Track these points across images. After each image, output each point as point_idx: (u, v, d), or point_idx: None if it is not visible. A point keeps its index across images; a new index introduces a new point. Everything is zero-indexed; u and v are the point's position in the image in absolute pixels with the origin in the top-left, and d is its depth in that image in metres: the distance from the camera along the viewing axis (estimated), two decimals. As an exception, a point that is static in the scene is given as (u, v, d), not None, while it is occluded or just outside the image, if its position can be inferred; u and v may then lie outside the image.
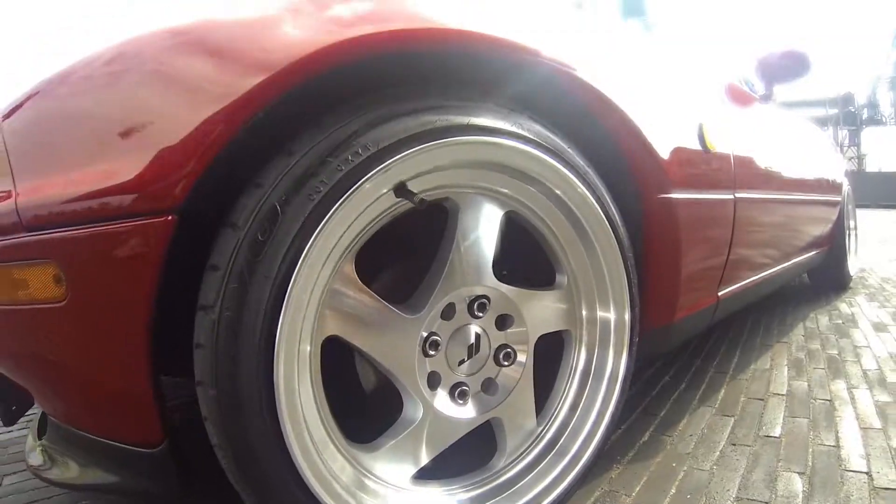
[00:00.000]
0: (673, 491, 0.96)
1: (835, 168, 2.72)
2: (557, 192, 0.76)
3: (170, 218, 0.54)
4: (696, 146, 1.09)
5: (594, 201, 0.79)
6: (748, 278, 1.50)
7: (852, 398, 1.38)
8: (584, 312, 0.88)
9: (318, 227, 0.55)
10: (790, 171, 1.84)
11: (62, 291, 0.57)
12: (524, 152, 0.70)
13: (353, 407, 0.74)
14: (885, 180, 29.12)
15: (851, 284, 3.03)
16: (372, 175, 0.57)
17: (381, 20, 0.62)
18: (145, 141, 0.56)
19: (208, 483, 0.65)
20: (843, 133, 55.15)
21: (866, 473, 0.99)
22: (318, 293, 0.59)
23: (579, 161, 0.78)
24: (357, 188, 0.57)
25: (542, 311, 0.83)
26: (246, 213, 0.54)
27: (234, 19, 0.62)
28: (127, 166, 0.55)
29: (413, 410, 0.71)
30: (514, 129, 0.68)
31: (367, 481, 0.67)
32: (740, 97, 1.56)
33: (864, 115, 55.29)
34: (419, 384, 0.70)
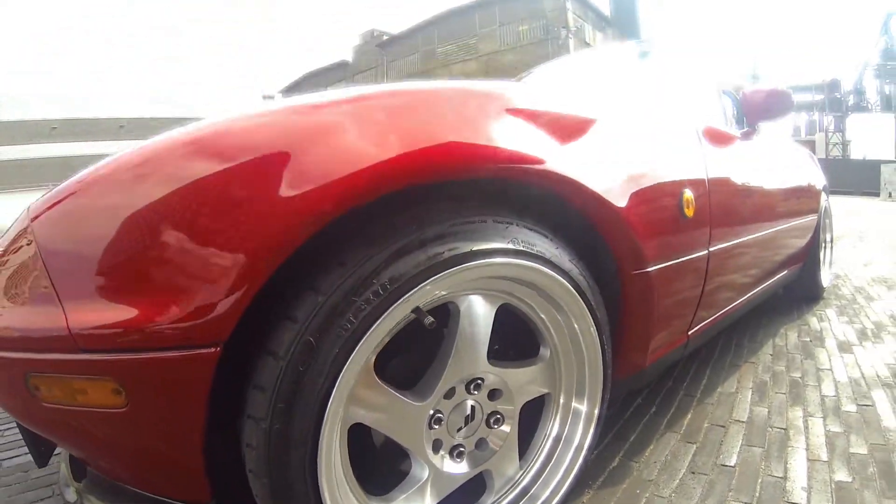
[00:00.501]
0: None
1: (814, 186, 2.86)
2: (546, 290, 0.88)
3: (217, 349, 0.65)
4: (676, 217, 1.19)
5: (578, 296, 0.93)
6: (719, 313, 1.63)
7: (806, 427, 1.53)
8: (558, 386, 1.02)
9: (349, 357, 0.67)
10: (767, 207, 1.96)
11: (122, 401, 0.68)
12: (520, 265, 0.82)
13: (370, 466, 0.87)
14: (868, 168, 29.61)
15: (825, 295, 3.20)
16: (391, 310, 0.70)
17: (396, 150, 0.72)
18: (194, 280, 0.66)
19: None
20: (829, 119, 55.76)
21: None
22: (347, 398, 0.71)
23: (566, 262, 0.91)
24: (379, 323, 0.69)
25: (525, 382, 0.97)
26: (285, 346, 0.66)
27: (264, 173, 0.70)
28: (178, 302, 0.64)
29: (420, 471, 0.85)
30: (511, 245, 0.80)
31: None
32: (719, 139, 1.65)
33: (850, 102, 55.90)
34: (425, 451, 0.84)
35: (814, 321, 2.67)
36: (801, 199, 2.54)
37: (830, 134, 54.69)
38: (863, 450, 1.40)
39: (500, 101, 0.92)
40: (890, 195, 22.60)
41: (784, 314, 2.77)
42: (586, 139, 1.02)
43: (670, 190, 1.21)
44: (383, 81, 50.44)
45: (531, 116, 0.92)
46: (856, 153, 51.58)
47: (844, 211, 12.39)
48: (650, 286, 1.08)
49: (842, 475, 1.28)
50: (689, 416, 1.60)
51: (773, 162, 2.20)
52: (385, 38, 50.87)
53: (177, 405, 0.68)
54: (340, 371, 0.67)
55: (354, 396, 0.74)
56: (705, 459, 1.35)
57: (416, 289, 0.72)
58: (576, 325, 0.98)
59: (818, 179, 3.06)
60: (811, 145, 53.20)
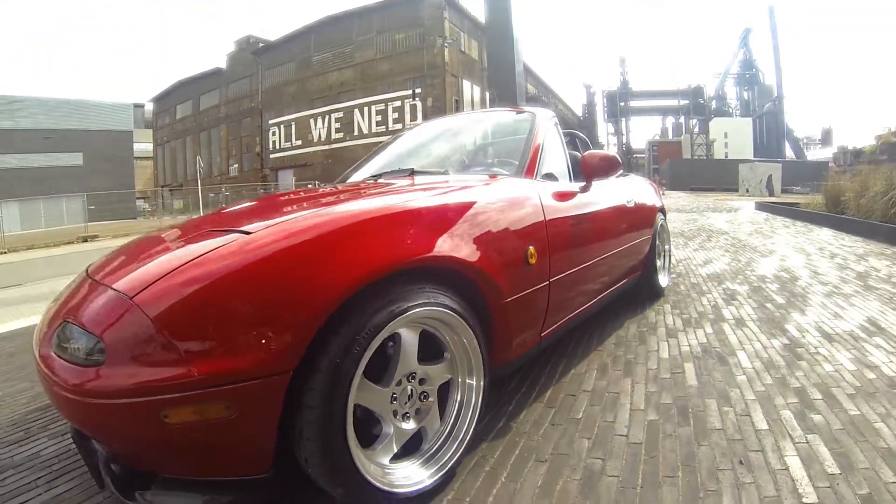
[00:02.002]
0: (517, 452, 1.79)
1: (650, 211, 3.80)
2: (445, 321, 1.58)
3: (290, 373, 1.22)
4: (522, 266, 1.92)
5: (464, 322, 1.62)
6: (564, 319, 2.39)
7: (633, 391, 2.31)
8: (458, 372, 1.71)
9: (357, 369, 1.30)
10: (602, 239, 2.74)
11: (231, 413, 1.16)
12: (430, 310, 1.49)
13: (360, 430, 1.47)
14: (728, 166, 33.34)
15: (665, 293, 4.15)
16: (373, 342, 1.34)
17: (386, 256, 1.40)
18: (276, 334, 1.19)
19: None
20: (694, 122, 62.07)
21: (625, 436, 1.89)
22: (356, 390, 1.33)
23: (458, 307, 1.60)
24: (368, 348, 1.33)
25: (438, 373, 1.64)
26: (325, 366, 1.25)
27: (314, 266, 1.29)
28: (266, 349, 1.18)
29: (388, 429, 1.48)
30: (426, 300, 1.47)
31: (371, 465, 1.42)
32: (562, 197, 2.39)
33: (713, 107, 62.59)
34: (390, 417, 1.48)
35: (651, 315, 3.57)
36: (637, 224, 3.43)
37: (695, 135, 60.88)
38: (668, 400, 2.19)
39: (414, 216, 1.60)
40: (748, 191, 25.75)
41: (630, 311, 3.65)
42: (459, 225, 1.71)
43: (518, 249, 1.93)
44: (259, 90, 49.55)
45: (430, 219, 1.63)
46: (718, 153, 57.79)
47: (705, 203, 14.40)
48: (507, 310, 1.81)
49: (652, 416, 2.05)
50: (550, 391, 2.34)
51: (608, 202, 2.98)
52: (261, 45, 51.68)
53: (265, 410, 1.21)
54: (353, 376, 1.29)
55: (358, 392, 1.35)
56: (561, 416, 2.07)
57: (384, 329, 1.36)
58: (463, 339, 1.66)
59: (655, 204, 4.02)
60: (678, 146, 58.78)
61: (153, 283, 1.22)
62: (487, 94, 47.72)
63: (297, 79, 47.75)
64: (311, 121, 46.33)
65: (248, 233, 1.38)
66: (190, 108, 56.91)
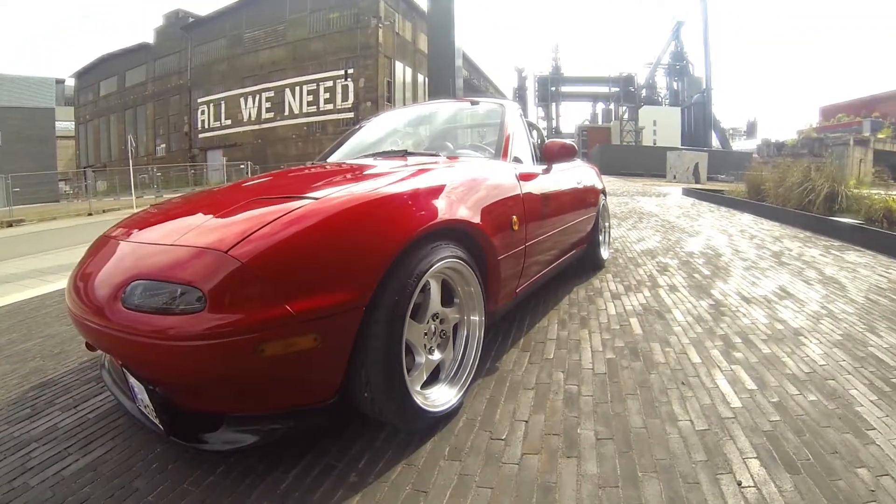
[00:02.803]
0: (507, 384, 2.22)
1: (594, 192, 4.31)
2: (459, 272, 1.97)
3: (363, 308, 1.55)
4: (509, 231, 2.34)
5: (473, 274, 2.02)
6: (533, 279, 2.85)
7: (590, 338, 2.79)
8: (466, 313, 2.10)
9: (409, 307, 1.66)
10: (560, 212, 3.21)
11: (317, 344, 1.45)
12: (450, 262, 1.87)
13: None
14: (657, 153, 34.91)
15: (606, 265, 4.69)
16: (417, 287, 1.69)
17: (430, 216, 1.77)
18: (356, 271, 1.54)
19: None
20: (623, 109, 64.33)
21: (591, 369, 2.35)
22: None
23: (467, 259, 1.98)
24: (415, 292, 1.69)
25: (452, 315, 2.03)
26: (386, 302, 1.58)
27: (382, 221, 1.66)
28: (352, 285, 1.52)
29: (420, 359, 1.85)
30: (447, 254, 1.85)
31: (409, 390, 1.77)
32: (529, 177, 2.81)
33: (643, 95, 64.91)
34: (422, 349, 1.85)
35: (596, 282, 4.09)
36: (586, 202, 3.94)
37: (624, 122, 63.13)
38: (621, 344, 2.68)
39: (438, 188, 1.98)
40: (675, 177, 27.13)
41: (577, 279, 4.16)
42: (467, 196, 2.11)
43: (507, 217, 2.36)
44: (188, 67, 47.70)
45: (448, 191, 2.02)
46: (647, 140, 60.21)
47: (636, 186, 15.38)
48: (498, 266, 2.23)
49: (610, 355, 2.53)
50: (522, 340, 2.79)
51: (564, 183, 3.46)
52: (190, 20, 49.31)
53: (342, 340, 1.52)
54: (406, 312, 1.64)
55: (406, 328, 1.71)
56: (535, 358, 2.52)
57: (424, 276, 1.72)
58: (470, 287, 2.06)
59: (598, 186, 4.55)
60: (607, 132, 60.75)
61: (244, 239, 1.45)
62: (419, 76, 48.23)
63: (227, 56, 46.13)
64: (242, 100, 44.99)
65: (315, 199, 1.68)
66: (115, 85, 53.52)
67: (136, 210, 17.16)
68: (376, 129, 3.81)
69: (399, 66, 44.21)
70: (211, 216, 1.75)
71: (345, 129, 46.88)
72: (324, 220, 1.57)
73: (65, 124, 50.15)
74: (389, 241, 1.64)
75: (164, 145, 49.02)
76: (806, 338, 2.73)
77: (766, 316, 3.13)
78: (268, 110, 44.10)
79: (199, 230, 1.63)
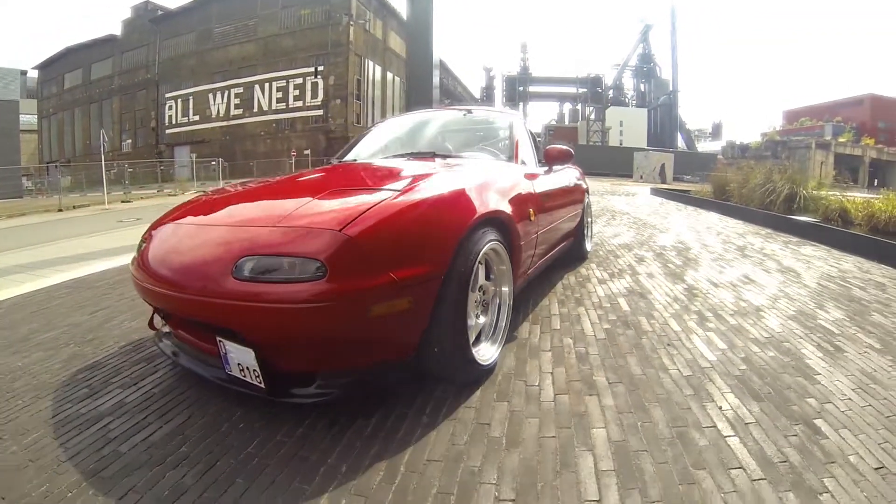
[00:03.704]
0: (527, 348, 2.68)
1: (581, 191, 4.83)
2: (497, 253, 2.43)
3: (442, 276, 1.98)
4: (528, 221, 2.81)
5: (506, 254, 2.48)
6: (538, 262, 3.33)
7: (587, 314, 3.27)
8: (500, 286, 2.56)
9: (470, 279, 2.09)
10: (557, 208, 3.70)
11: (411, 305, 1.85)
12: (494, 245, 2.32)
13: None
14: (624, 153, 35.90)
15: (589, 257, 5.21)
16: (476, 262, 2.13)
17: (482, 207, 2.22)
18: (437, 248, 1.97)
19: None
20: (591, 109, 65.74)
21: (593, 335, 2.83)
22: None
23: (504, 243, 2.45)
24: (475, 266, 2.13)
25: (490, 287, 2.48)
26: (456, 273, 2.01)
27: (454, 210, 2.12)
28: (435, 259, 1.95)
29: (470, 322, 2.24)
30: (491, 237, 2.29)
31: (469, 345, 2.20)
32: (534, 177, 3.30)
33: (610, 96, 66.35)
34: (473, 313, 2.27)
35: (583, 271, 4.60)
36: (575, 200, 4.46)
37: (591, 122, 64.51)
38: (614, 317, 3.17)
39: (485, 184, 2.43)
40: (641, 177, 28.08)
41: (567, 268, 4.67)
42: (503, 192, 2.56)
43: (526, 210, 2.83)
44: (156, 60, 46.82)
45: (491, 187, 2.47)
46: (613, 141, 61.68)
47: (606, 190, 16.12)
48: (520, 250, 2.69)
49: (606, 326, 3.02)
50: (531, 314, 3.26)
51: (559, 183, 3.96)
52: (159, 12, 48.47)
53: (427, 303, 1.90)
54: (469, 281, 2.06)
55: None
56: (545, 329, 2.99)
57: (479, 254, 2.15)
58: (503, 266, 2.51)
59: (584, 186, 5.07)
60: (574, 132, 61.88)
61: (352, 221, 1.81)
62: (388, 74, 48.39)
63: (196, 51, 45.57)
64: (210, 95, 44.60)
65: (398, 190, 2.05)
66: (80, 78, 52.20)
67: (107, 206, 17.29)
68: (393, 133, 4.22)
69: (369, 64, 44.31)
70: (304, 202, 2.08)
71: (315, 127, 45.44)
72: (411, 206, 1.98)
73: (27, 117, 48.44)
74: (458, 226, 2.08)
75: (129, 140, 48.07)
76: (766, 313, 3.28)
77: (732, 296, 3.68)
78: (236, 106, 43.79)
79: (299, 214, 1.96)
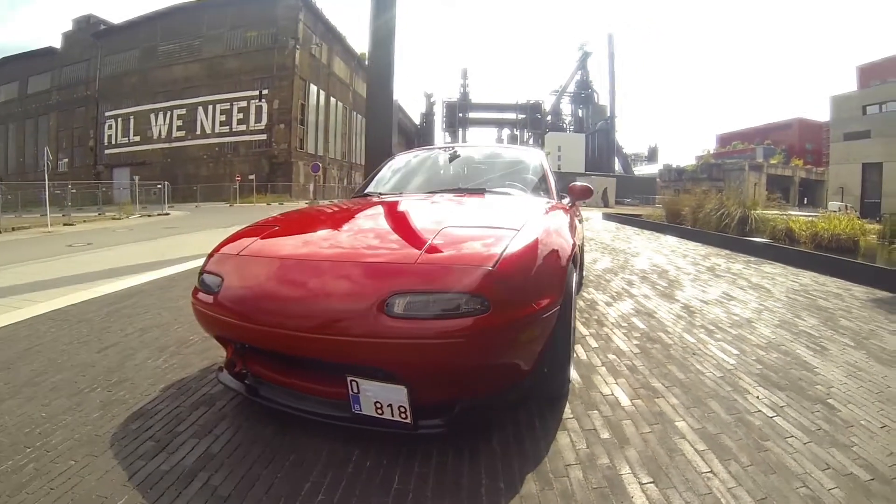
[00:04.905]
0: (582, 365, 3.27)
1: (580, 220, 5.48)
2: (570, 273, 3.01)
3: (558, 308, 2.29)
4: (576, 245, 3.39)
5: (575, 272, 3.06)
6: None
7: (614, 333, 3.88)
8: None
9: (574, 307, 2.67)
10: (577, 235, 4.32)
11: (541, 332, 2.09)
12: (571, 268, 2.92)
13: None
14: (563, 179, 37.30)
15: (585, 282, 5.86)
16: (573, 291, 2.72)
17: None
18: (558, 278, 2.35)
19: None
20: (528, 135, 67.92)
21: (630, 351, 3.44)
22: None
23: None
24: (573, 293, 2.72)
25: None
26: (565, 302, 2.47)
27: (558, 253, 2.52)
28: (557, 288, 2.27)
29: None
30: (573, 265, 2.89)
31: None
32: (564, 210, 3.90)
33: (549, 121, 68.76)
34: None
35: (586, 295, 5.24)
36: (579, 229, 5.08)
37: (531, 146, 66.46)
38: (638, 334, 3.78)
39: (567, 225, 3.00)
40: (585, 202, 29.27)
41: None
42: (571, 226, 3.08)
43: (574, 237, 3.34)
44: (97, 77, 45.39)
45: (568, 226, 2.98)
46: (552, 166, 63.52)
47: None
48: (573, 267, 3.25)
49: (637, 342, 3.62)
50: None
51: (573, 214, 4.57)
52: (102, 27, 48.01)
53: (547, 330, 2.13)
54: (573, 308, 2.65)
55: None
56: (586, 347, 3.56)
57: (571, 284, 2.68)
58: (573, 280, 3.03)
59: (579, 216, 5.73)
60: (517, 159, 63.41)
61: (500, 260, 1.97)
62: (332, 100, 48.69)
63: (139, 69, 44.99)
64: (152, 115, 44.04)
65: (516, 229, 2.25)
66: (15, 91, 50.55)
67: (50, 229, 16.53)
68: (426, 167, 4.46)
69: (313, 88, 44.81)
70: (432, 236, 2.21)
71: (258, 151, 44.94)
72: (537, 243, 2.22)
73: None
74: (567, 257, 2.44)
75: (66, 160, 46.70)
76: (756, 324, 3.99)
77: (724, 311, 4.39)
78: (179, 128, 43.36)
79: (439, 249, 2.08)
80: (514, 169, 4.23)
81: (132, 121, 44.78)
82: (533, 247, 2.17)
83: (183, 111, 43.31)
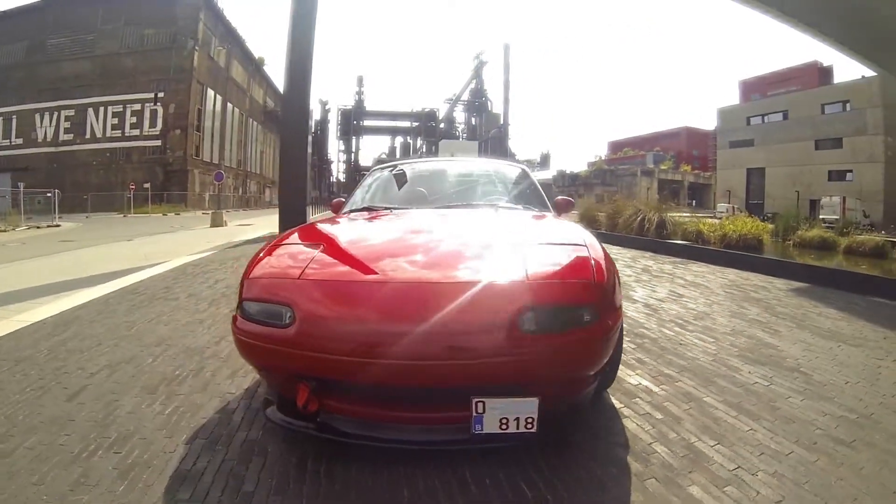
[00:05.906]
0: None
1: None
2: None
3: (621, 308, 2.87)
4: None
5: None
6: None
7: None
8: None
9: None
10: None
11: (617, 333, 2.32)
12: None
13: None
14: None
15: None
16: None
17: None
18: (618, 286, 2.62)
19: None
20: (422, 142, 68.83)
21: (626, 346, 4.18)
22: None
23: None
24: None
25: None
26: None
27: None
28: (620, 295, 2.43)
29: None
30: None
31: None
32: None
33: (442, 129, 70.12)
34: None
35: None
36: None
37: (422, 154, 67.16)
38: (626, 334, 4.52)
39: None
40: (484, 209, 30.27)
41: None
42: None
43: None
44: None
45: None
46: (444, 173, 64.56)
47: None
48: None
49: (628, 339, 4.35)
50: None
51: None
52: None
53: (618, 329, 2.30)
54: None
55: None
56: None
57: None
58: None
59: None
60: (416, 167, 64.12)
61: (593, 273, 2.20)
62: (229, 106, 47.27)
63: (25, 63, 41.46)
64: (37, 116, 40.88)
65: (582, 244, 2.50)
66: None
67: None
68: (419, 180, 4.48)
69: (210, 93, 43.49)
70: (524, 254, 2.34)
71: (152, 158, 43.00)
72: (601, 256, 2.42)
73: None
74: (615, 265, 2.53)
75: None
76: (714, 316, 4.87)
77: (681, 307, 5.26)
78: (66, 131, 40.64)
79: (540, 265, 2.23)
80: (514, 184, 4.56)
81: (14, 121, 41.26)
82: (605, 257, 2.43)
83: (72, 112, 40.47)
